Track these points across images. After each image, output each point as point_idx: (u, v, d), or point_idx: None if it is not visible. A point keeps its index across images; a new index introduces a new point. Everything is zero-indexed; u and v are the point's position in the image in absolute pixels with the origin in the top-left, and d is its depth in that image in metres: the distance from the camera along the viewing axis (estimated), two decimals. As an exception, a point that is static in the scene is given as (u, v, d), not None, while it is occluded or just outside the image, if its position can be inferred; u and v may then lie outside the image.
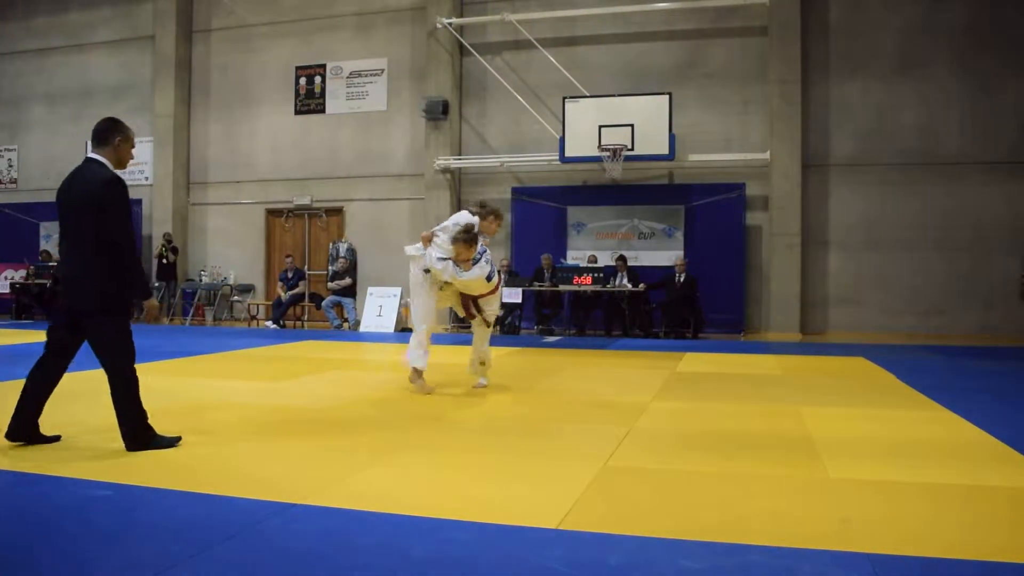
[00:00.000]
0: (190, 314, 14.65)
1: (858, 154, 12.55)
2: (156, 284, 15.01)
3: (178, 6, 15.56)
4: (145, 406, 4.02)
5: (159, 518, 2.91)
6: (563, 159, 12.74)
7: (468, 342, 5.95)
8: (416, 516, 2.92)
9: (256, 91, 15.44)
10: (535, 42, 13.39)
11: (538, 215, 13.61)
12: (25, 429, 4.07)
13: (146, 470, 3.58)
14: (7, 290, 15.49)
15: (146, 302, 4.28)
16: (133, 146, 4.31)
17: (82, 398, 5.70)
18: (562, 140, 12.66)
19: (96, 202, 3.96)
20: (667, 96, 12.21)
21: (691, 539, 2.69)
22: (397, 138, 14.59)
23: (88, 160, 4.11)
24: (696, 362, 8.39)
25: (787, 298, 12.44)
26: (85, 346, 4.18)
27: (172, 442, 4.08)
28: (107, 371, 4.06)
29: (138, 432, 3.99)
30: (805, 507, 3.15)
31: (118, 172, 4.18)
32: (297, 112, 15.22)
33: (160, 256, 14.87)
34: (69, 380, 6.50)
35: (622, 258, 12.59)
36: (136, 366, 4.08)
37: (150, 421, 4.05)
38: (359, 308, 13.39)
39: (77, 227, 4.03)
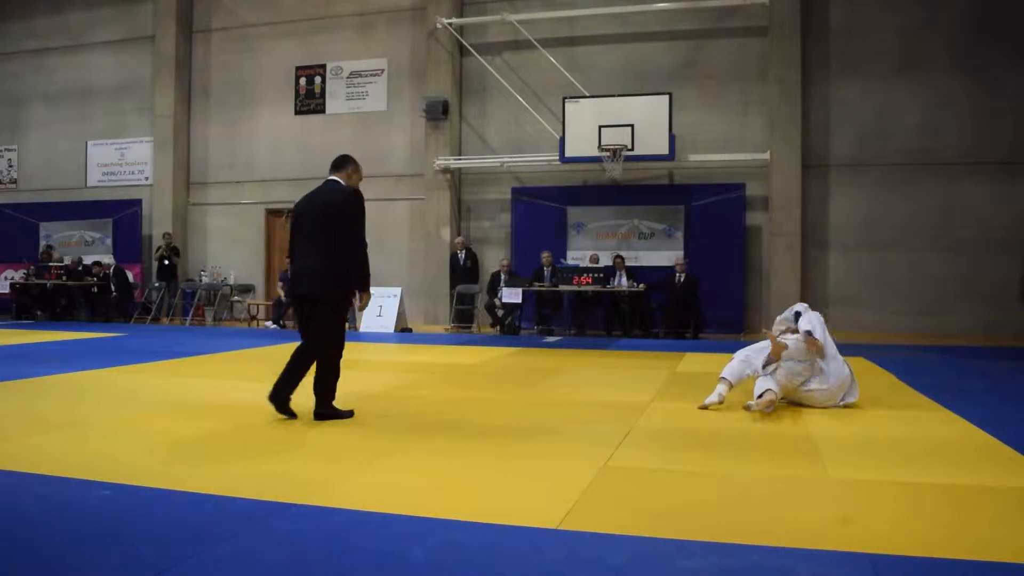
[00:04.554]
0: (190, 314, 14.65)
1: (858, 154, 12.55)
2: (156, 284, 15.03)
3: (178, 6, 15.56)
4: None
5: (159, 518, 2.91)
6: (563, 159, 12.74)
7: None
8: (416, 516, 2.91)
9: (256, 91, 15.45)
10: (535, 42, 13.39)
11: (538, 215, 13.60)
12: (280, 399, 4.84)
13: (146, 470, 3.58)
14: (7, 290, 15.50)
15: (363, 293, 4.86)
16: (362, 177, 5.18)
17: (89, 397, 5.71)
18: (562, 140, 12.66)
19: (339, 208, 4.77)
20: (667, 96, 12.21)
21: (691, 539, 2.68)
22: (397, 138, 14.59)
23: (329, 180, 5.02)
24: (696, 362, 8.39)
25: (787, 298, 12.34)
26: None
27: (349, 414, 4.86)
28: (316, 349, 4.83)
29: (325, 407, 4.78)
30: (805, 507, 3.15)
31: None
32: (297, 112, 15.22)
33: (161, 257, 14.88)
34: (77, 379, 6.51)
35: (620, 258, 12.59)
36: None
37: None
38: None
39: (316, 230, 4.81)
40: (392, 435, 4.50)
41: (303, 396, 4.83)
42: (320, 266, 4.78)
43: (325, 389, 4.82)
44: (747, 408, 5.22)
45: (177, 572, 2.38)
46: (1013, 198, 11.96)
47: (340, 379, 4.88)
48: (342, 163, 5.07)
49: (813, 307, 5.80)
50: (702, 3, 12.88)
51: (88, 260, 15.43)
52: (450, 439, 4.40)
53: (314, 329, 4.85)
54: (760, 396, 5.17)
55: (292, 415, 4.81)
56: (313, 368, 4.85)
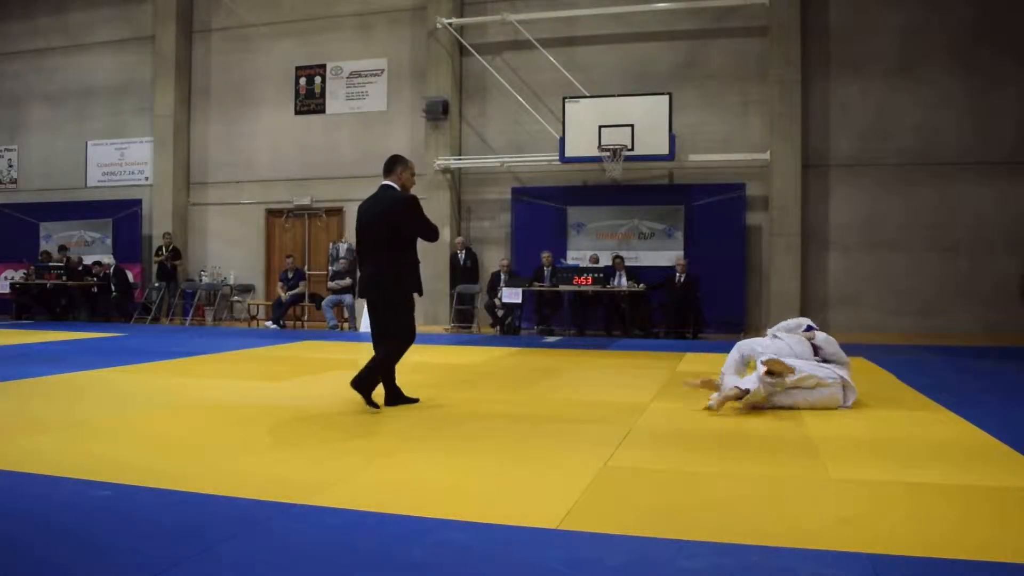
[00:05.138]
0: (190, 314, 14.65)
1: (858, 154, 12.55)
2: (156, 284, 15.03)
3: (178, 6, 15.56)
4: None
5: (159, 518, 2.91)
6: (563, 159, 12.74)
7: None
8: (416, 516, 2.91)
9: (256, 91, 15.44)
10: (535, 42, 13.39)
11: (538, 215, 13.61)
12: (393, 395, 5.39)
13: (146, 470, 3.58)
14: (7, 290, 15.50)
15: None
16: (413, 173, 5.50)
17: (89, 397, 5.71)
18: (562, 140, 12.66)
19: (398, 215, 5.20)
20: (667, 96, 12.21)
21: (691, 539, 2.68)
22: (397, 138, 14.57)
23: (383, 186, 5.38)
24: (696, 362, 8.39)
25: (787, 298, 12.43)
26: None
27: (376, 406, 5.18)
28: (381, 344, 5.28)
29: (366, 382, 5.13)
30: (805, 507, 3.14)
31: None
32: (297, 112, 15.22)
33: (163, 262, 14.86)
34: (77, 379, 6.52)
35: (619, 258, 12.60)
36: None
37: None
38: (359, 308, 13.37)
39: (378, 238, 5.24)
40: (392, 435, 4.50)
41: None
42: (383, 271, 5.24)
43: (372, 372, 5.20)
44: (709, 407, 5.25)
45: (177, 572, 2.38)
46: (1013, 198, 11.96)
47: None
48: (392, 166, 5.41)
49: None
50: (702, 3, 12.88)
51: (88, 260, 15.44)
52: (450, 439, 4.40)
53: (386, 326, 5.35)
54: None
55: (412, 400, 5.45)
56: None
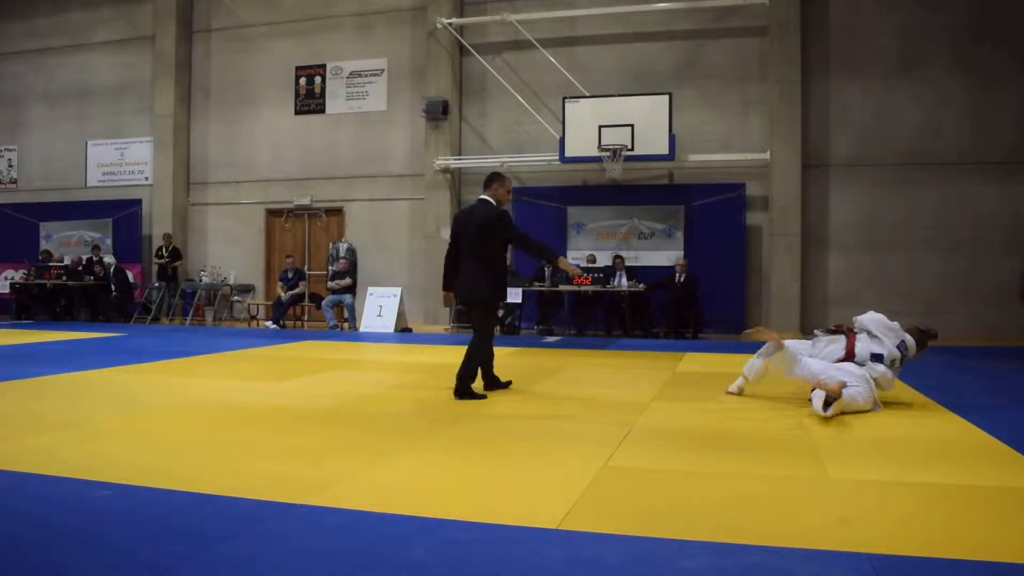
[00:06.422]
0: (190, 314, 14.65)
1: (858, 154, 12.55)
2: (156, 284, 15.03)
3: (178, 6, 15.56)
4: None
5: (159, 518, 2.91)
6: (563, 159, 12.74)
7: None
8: (416, 516, 2.92)
9: (256, 91, 15.44)
10: (535, 42, 13.39)
11: (538, 215, 13.59)
12: (489, 381, 5.98)
13: (146, 470, 3.58)
14: (7, 290, 15.50)
15: (557, 260, 6.07)
16: (509, 190, 6.04)
17: (89, 397, 5.71)
18: (562, 140, 12.66)
19: (490, 228, 5.75)
20: (667, 96, 12.21)
21: (691, 539, 2.68)
22: (397, 138, 14.59)
23: (481, 200, 5.90)
24: (696, 362, 8.39)
25: (787, 298, 12.43)
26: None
27: (482, 396, 5.71)
28: (471, 341, 5.78)
29: (464, 388, 5.63)
30: (805, 507, 3.15)
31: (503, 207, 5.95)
32: (297, 112, 15.22)
33: (164, 265, 14.85)
34: (77, 379, 6.52)
35: (620, 258, 12.60)
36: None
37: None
38: (359, 308, 13.37)
39: (474, 244, 5.77)
40: (392, 435, 4.50)
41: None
42: (476, 276, 5.77)
43: (467, 372, 5.67)
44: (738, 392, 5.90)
45: (177, 572, 2.38)
46: (1013, 198, 11.96)
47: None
48: (489, 182, 5.92)
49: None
50: (702, 3, 12.88)
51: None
52: (450, 439, 4.40)
53: (476, 325, 5.88)
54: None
55: (506, 385, 6.05)
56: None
